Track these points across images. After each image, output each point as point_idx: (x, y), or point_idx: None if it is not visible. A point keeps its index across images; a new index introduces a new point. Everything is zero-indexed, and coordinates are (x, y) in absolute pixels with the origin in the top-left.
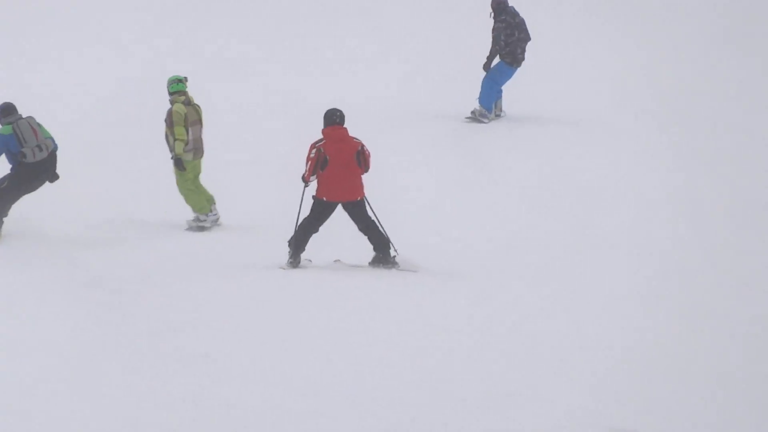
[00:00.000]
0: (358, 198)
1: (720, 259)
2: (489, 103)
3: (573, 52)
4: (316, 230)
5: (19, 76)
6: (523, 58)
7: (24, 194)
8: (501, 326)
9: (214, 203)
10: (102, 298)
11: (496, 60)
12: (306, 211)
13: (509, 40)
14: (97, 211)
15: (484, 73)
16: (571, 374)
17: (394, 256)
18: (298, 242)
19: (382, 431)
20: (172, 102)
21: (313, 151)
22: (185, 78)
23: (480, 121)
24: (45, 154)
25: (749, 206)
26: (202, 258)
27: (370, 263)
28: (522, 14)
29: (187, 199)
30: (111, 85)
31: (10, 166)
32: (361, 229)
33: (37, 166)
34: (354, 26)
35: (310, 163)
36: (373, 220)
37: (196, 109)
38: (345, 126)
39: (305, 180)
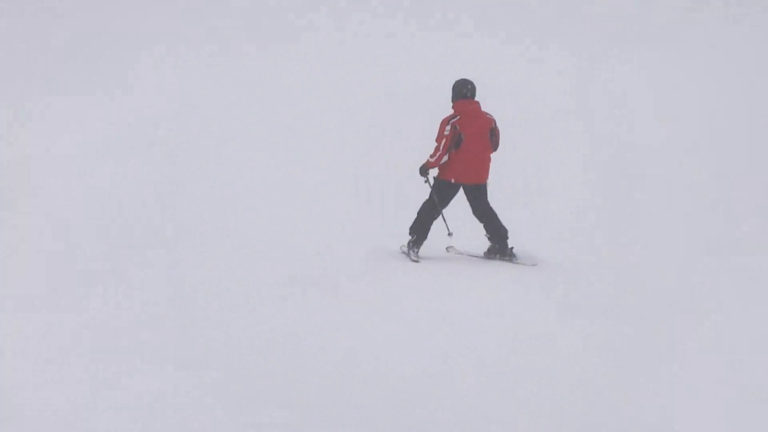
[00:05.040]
0: (485, 180)
1: None
2: None
3: None
4: (439, 215)
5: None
6: None
7: None
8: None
9: None
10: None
11: None
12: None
13: None
14: None
15: None
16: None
17: (512, 248)
18: (421, 229)
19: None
20: None
21: (448, 127)
22: None
23: None
24: None
25: None
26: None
27: (485, 254)
28: None
29: None
30: None
31: None
32: (478, 216)
33: None
34: None
35: (444, 141)
36: (491, 207)
37: None
38: (477, 99)
39: (429, 166)
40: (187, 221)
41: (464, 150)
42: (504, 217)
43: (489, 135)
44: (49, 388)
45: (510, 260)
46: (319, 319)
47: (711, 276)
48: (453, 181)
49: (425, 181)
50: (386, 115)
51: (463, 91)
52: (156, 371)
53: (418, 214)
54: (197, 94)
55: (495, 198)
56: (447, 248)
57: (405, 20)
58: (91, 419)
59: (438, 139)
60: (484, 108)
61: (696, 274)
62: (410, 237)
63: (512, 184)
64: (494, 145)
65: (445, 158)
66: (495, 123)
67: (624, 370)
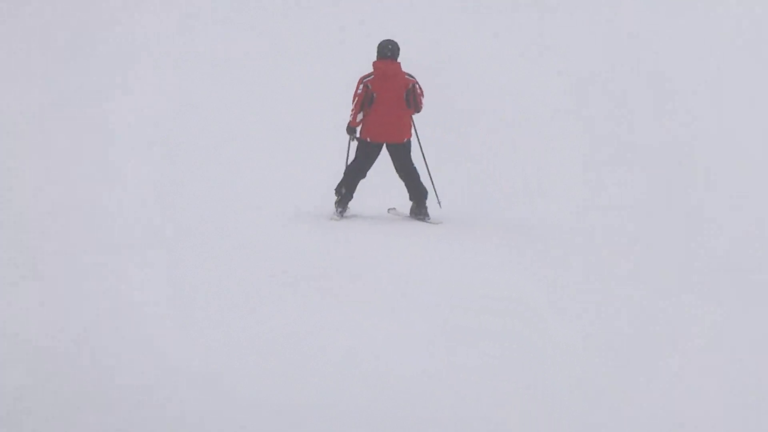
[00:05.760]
0: (404, 140)
1: None
2: None
3: None
4: (364, 175)
5: None
6: None
7: None
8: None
9: None
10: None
11: None
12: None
13: None
14: None
15: None
16: None
17: (426, 208)
18: (345, 189)
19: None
20: None
21: (360, 86)
22: None
23: None
24: None
25: None
26: (246, 206)
27: (409, 214)
28: None
29: None
30: None
31: None
32: (399, 175)
33: None
34: None
35: (357, 99)
36: (414, 168)
37: None
38: (398, 60)
39: (351, 125)
40: (187, 221)
41: (376, 109)
42: (504, 217)
43: (404, 96)
44: (49, 389)
45: (423, 219)
46: (319, 319)
47: (711, 276)
48: (369, 140)
49: (353, 140)
50: None
51: (384, 51)
52: (155, 371)
53: (344, 174)
54: (197, 94)
55: (494, 198)
56: (388, 210)
57: (405, 20)
58: (89, 419)
59: (353, 97)
60: (406, 69)
61: (696, 274)
62: (336, 197)
63: (512, 184)
64: (415, 107)
65: (361, 116)
66: (414, 84)
67: (624, 370)
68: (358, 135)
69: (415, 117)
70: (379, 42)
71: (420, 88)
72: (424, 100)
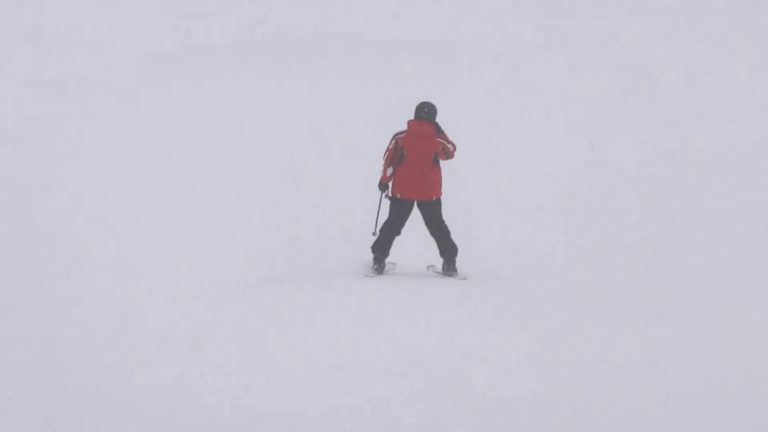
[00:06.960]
0: (433, 198)
1: None
2: None
3: None
4: (399, 232)
5: None
6: None
7: None
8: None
9: None
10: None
11: None
12: (384, 214)
13: None
14: None
15: None
16: None
17: (455, 263)
18: (381, 247)
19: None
20: None
21: (392, 142)
22: None
23: None
24: None
25: None
26: (288, 265)
27: (442, 271)
28: None
29: None
30: None
31: None
32: (431, 232)
33: None
34: None
35: (387, 154)
36: (444, 225)
37: None
38: (435, 122)
39: (382, 181)
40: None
41: (406, 167)
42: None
43: (432, 157)
44: (45, 391)
45: (451, 275)
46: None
47: (710, 275)
48: (399, 196)
49: (385, 196)
50: (387, 118)
51: (419, 112)
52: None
53: (379, 232)
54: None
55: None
56: (427, 267)
57: (407, 20)
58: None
59: (385, 152)
60: (451, 131)
61: (696, 275)
62: (373, 254)
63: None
64: (445, 157)
65: (390, 171)
66: (443, 147)
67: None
68: (389, 193)
69: None
70: (418, 103)
71: (450, 147)
72: (456, 152)
